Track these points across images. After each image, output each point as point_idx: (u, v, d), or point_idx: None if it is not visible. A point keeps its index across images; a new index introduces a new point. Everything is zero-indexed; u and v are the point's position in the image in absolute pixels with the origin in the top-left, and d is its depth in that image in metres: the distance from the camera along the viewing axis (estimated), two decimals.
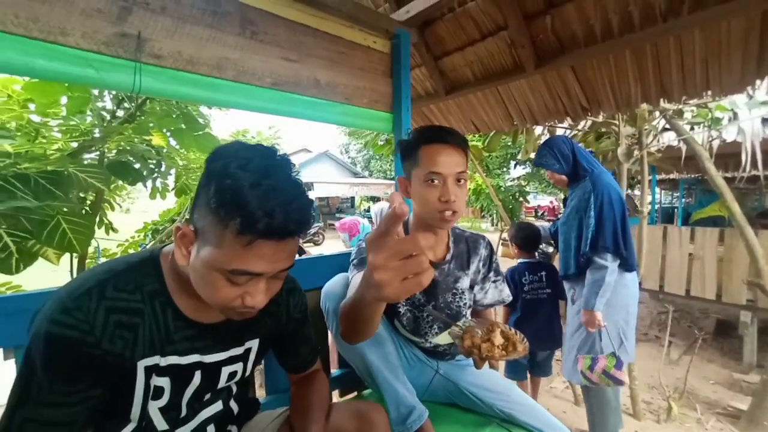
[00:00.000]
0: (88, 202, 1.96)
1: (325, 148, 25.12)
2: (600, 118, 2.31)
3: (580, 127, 2.85)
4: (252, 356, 0.78)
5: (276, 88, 1.31)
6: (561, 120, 1.93)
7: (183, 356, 0.67)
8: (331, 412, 0.84)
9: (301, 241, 0.61)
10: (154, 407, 0.66)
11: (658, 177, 6.67)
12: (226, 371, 0.74)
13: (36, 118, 1.73)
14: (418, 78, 2.21)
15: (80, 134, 1.73)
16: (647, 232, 2.46)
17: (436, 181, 1.07)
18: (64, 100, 1.72)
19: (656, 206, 7.73)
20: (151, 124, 1.91)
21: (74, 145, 1.79)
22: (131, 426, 0.66)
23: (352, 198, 20.72)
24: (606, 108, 1.73)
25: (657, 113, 2.43)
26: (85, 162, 1.81)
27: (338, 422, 0.81)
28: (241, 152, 0.59)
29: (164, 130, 1.81)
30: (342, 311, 0.82)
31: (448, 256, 1.26)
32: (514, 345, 1.00)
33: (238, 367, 0.76)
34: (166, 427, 0.68)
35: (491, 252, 1.36)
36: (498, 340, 0.99)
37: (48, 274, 1.62)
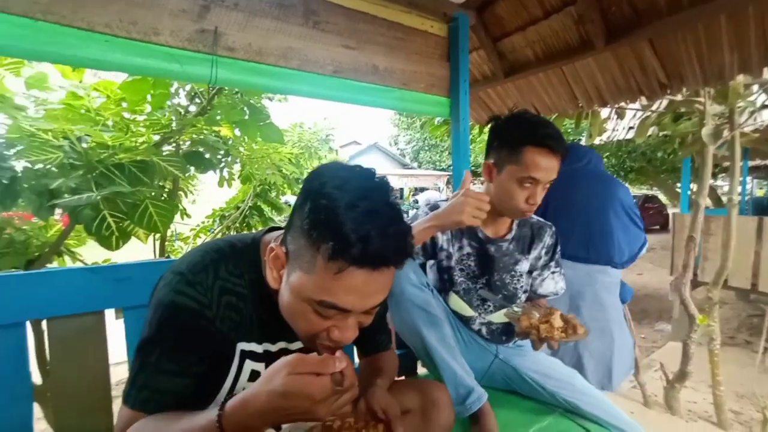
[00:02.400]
0: (167, 189, 2.16)
1: (375, 141, 25.32)
2: (680, 96, 2.09)
3: (654, 107, 2.59)
4: None
5: (337, 75, 1.35)
6: (633, 99, 1.76)
7: (274, 344, 0.71)
8: (395, 389, 0.86)
9: None
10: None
11: (750, 163, 5.88)
12: None
13: (126, 115, 1.94)
14: (476, 62, 2.14)
15: (161, 128, 1.91)
16: (737, 223, 2.19)
17: (530, 185, 1.07)
18: (149, 98, 1.91)
19: (746, 196, 6.87)
20: (219, 117, 2.06)
21: (156, 138, 1.98)
22: (218, 402, 0.70)
23: (401, 189, 20.73)
24: (690, 83, 1.56)
25: (755, 87, 2.14)
26: (165, 153, 2.00)
27: (401, 398, 0.83)
28: (340, 172, 0.58)
29: (231, 122, 1.94)
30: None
31: (509, 236, 1.24)
32: (574, 328, 0.97)
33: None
34: None
35: (556, 242, 1.33)
36: (557, 322, 0.97)
37: (138, 252, 1.84)
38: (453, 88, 1.65)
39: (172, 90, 2.14)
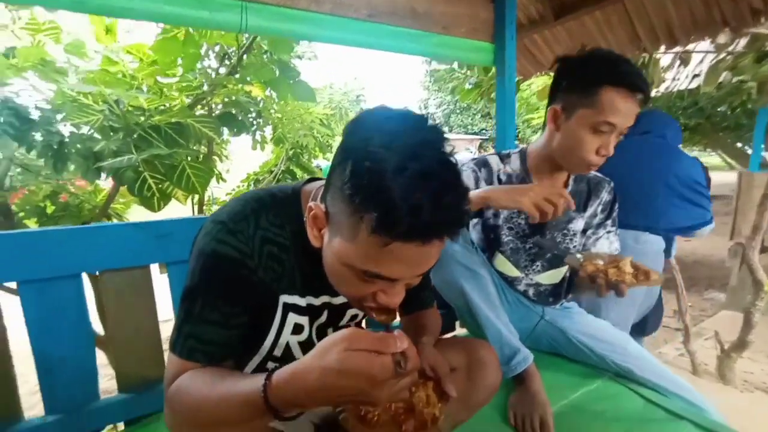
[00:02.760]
0: (203, 152, 2.19)
1: (404, 105, 24.62)
2: None
3: (731, 47, 2.25)
4: None
5: (371, 20, 1.25)
6: (714, 34, 1.52)
7: (317, 297, 0.69)
8: (440, 347, 0.83)
9: None
10: (294, 341, 0.69)
11: None
12: (349, 313, 0.76)
13: (159, 78, 1.94)
14: (521, 3, 1.93)
15: (192, 89, 1.90)
16: None
17: (605, 131, 0.94)
18: (179, 61, 1.89)
19: None
20: (249, 79, 2.02)
21: (188, 100, 1.98)
22: (263, 353, 0.68)
23: None
24: None
25: None
26: (198, 115, 2.00)
27: (446, 356, 0.80)
28: (386, 124, 0.49)
29: (261, 82, 1.89)
30: None
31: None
32: (646, 274, 0.89)
33: (360, 311, 0.77)
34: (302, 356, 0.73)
35: (614, 199, 1.21)
36: (628, 267, 0.90)
37: (178, 214, 1.89)
38: (498, 33, 1.50)
39: (202, 51, 2.11)
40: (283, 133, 2.34)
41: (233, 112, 1.99)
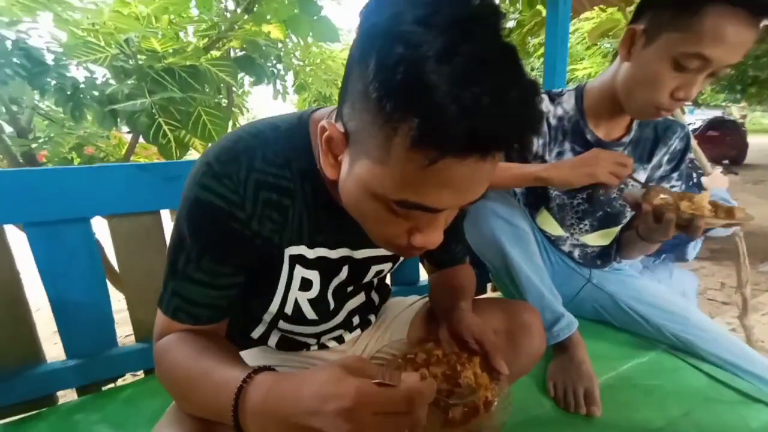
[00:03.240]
0: (221, 99, 2.08)
1: None
2: None
3: None
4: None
5: None
6: None
7: (332, 249, 0.57)
8: (475, 309, 0.72)
9: None
10: (303, 298, 0.60)
11: None
12: (374, 269, 0.64)
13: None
14: None
15: (208, 29, 1.76)
16: None
17: (693, 67, 0.71)
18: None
19: None
20: (269, 17, 1.85)
21: (203, 43, 1.85)
22: (273, 312, 0.61)
23: None
24: None
25: None
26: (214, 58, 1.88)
27: (483, 320, 0.69)
28: None
29: (280, 21, 1.73)
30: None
31: (626, 139, 0.95)
32: (728, 211, 0.72)
33: (386, 266, 0.66)
34: (315, 317, 0.63)
35: (686, 147, 0.99)
36: (705, 201, 0.74)
37: None
38: None
39: None
40: (305, 81, 2.18)
41: (251, 55, 1.85)
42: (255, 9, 1.81)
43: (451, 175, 0.36)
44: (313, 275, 0.58)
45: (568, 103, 0.96)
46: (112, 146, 2.15)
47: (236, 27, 1.73)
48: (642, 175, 1.01)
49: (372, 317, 0.76)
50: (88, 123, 1.78)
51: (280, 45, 2.13)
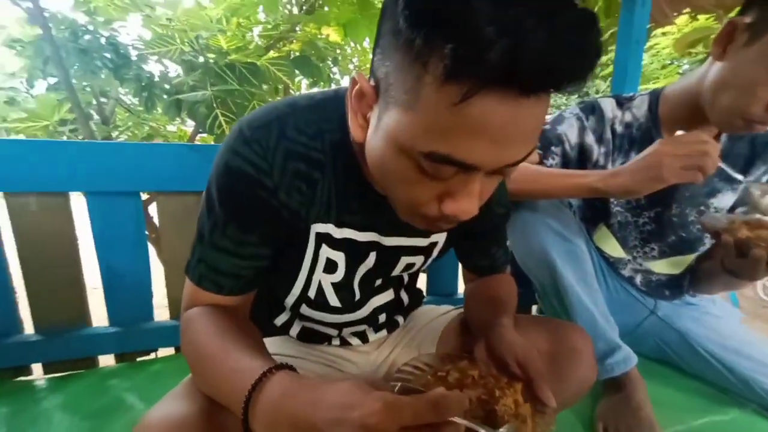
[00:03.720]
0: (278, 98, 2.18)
1: None
2: None
3: None
4: (435, 251, 0.62)
5: None
6: None
7: (360, 232, 0.54)
8: (516, 325, 0.63)
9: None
10: (327, 281, 0.57)
11: None
12: (404, 261, 0.59)
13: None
14: None
15: (271, 30, 1.85)
16: None
17: None
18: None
19: None
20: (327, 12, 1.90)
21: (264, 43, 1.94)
22: (296, 294, 0.58)
23: None
24: None
25: None
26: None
27: (527, 337, 0.60)
28: None
29: (340, 24, 1.77)
30: (535, 177, 0.75)
31: None
32: None
33: (417, 259, 0.61)
34: (338, 305, 0.59)
35: None
36: None
37: None
38: None
39: None
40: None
41: (309, 55, 1.91)
42: (316, 9, 1.87)
43: (486, 118, 0.31)
44: (339, 257, 0.55)
45: (640, 109, 0.84)
46: (178, 136, 2.33)
47: (297, 29, 1.81)
48: (729, 198, 0.86)
49: (400, 319, 0.70)
50: (159, 114, 1.93)
51: (337, 50, 2.19)
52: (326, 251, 0.54)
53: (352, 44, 2.20)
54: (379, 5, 1.83)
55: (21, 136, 1.87)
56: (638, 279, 0.95)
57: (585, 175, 0.74)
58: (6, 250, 0.89)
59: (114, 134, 2.12)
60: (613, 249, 0.94)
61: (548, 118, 0.87)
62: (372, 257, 0.57)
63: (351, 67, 2.47)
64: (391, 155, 0.37)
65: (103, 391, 0.87)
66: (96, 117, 2.04)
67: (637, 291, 0.96)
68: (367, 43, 1.86)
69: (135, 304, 0.98)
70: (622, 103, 0.86)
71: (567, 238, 0.82)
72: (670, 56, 4.50)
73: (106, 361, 1.01)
